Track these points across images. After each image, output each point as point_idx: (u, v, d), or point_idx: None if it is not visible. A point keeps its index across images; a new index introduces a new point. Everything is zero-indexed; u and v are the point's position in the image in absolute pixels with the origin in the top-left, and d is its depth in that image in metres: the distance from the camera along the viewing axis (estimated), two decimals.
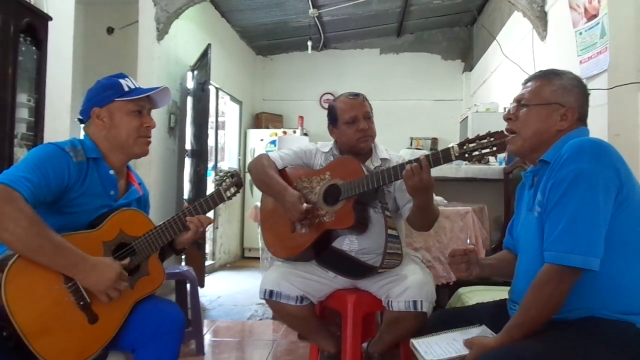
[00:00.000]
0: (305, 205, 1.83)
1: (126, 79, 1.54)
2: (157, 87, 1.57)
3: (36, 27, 2.56)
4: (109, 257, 1.39)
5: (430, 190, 1.62)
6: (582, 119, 1.34)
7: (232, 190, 1.62)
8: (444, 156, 1.55)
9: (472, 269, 1.47)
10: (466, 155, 1.50)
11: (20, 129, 2.54)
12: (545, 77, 1.35)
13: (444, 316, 1.54)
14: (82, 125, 1.55)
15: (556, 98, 1.31)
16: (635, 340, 1.12)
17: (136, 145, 1.53)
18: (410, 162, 1.61)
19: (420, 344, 1.29)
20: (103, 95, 1.51)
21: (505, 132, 1.40)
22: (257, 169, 2.02)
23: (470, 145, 1.49)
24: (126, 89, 1.51)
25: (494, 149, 1.45)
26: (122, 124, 1.50)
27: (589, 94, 1.36)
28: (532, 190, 1.34)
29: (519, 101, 1.36)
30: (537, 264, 1.20)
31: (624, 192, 1.16)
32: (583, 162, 1.15)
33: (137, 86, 1.55)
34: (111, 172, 1.50)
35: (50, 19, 2.68)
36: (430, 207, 1.74)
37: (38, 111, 2.62)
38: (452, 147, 1.53)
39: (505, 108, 1.40)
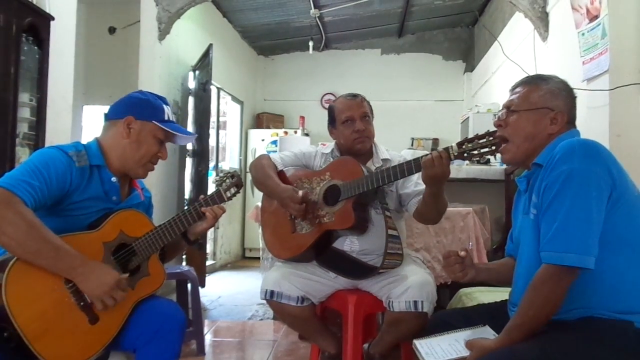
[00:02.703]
0: (301, 192, 1.83)
1: (168, 107, 1.58)
2: (190, 133, 1.63)
3: (38, 26, 2.57)
4: (107, 265, 1.38)
5: (445, 180, 1.64)
6: (571, 121, 1.35)
7: (232, 190, 1.63)
8: None
9: (466, 270, 1.47)
10: (465, 154, 1.51)
11: (22, 128, 2.54)
12: (533, 83, 1.37)
13: (445, 317, 1.54)
14: (104, 123, 1.56)
15: (545, 102, 1.32)
16: (634, 339, 1.13)
17: (142, 168, 1.55)
18: (409, 162, 1.64)
19: (422, 345, 1.30)
20: (146, 110, 1.52)
21: (497, 140, 1.41)
22: (256, 169, 2.02)
23: (469, 144, 1.50)
24: (166, 117, 1.55)
25: (493, 148, 1.46)
26: (144, 144, 1.51)
27: (575, 96, 1.37)
28: (527, 194, 1.35)
29: (509, 107, 1.37)
30: (535, 265, 1.20)
31: (618, 191, 1.17)
32: (575, 162, 1.16)
33: (173, 119, 1.60)
34: (113, 179, 1.50)
35: (53, 18, 2.68)
36: (442, 195, 1.75)
37: (40, 111, 2.62)
38: (451, 146, 1.54)
39: (495, 115, 1.43)
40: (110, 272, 1.34)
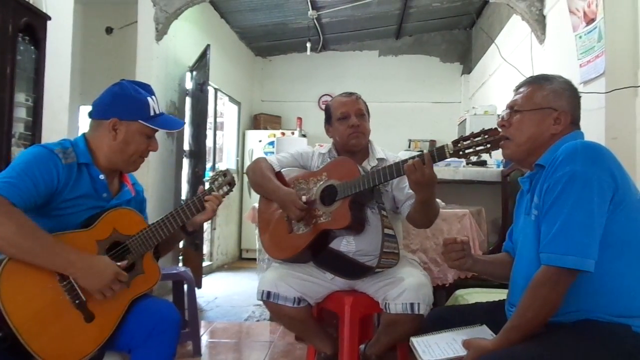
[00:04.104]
0: (304, 197, 1.84)
1: (153, 97, 1.53)
2: (179, 122, 1.62)
3: (35, 26, 2.56)
4: (105, 256, 1.38)
5: (432, 186, 1.62)
6: (575, 122, 1.35)
7: (225, 188, 1.63)
8: (439, 154, 1.55)
9: (465, 259, 1.47)
10: (461, 152, 1.51)
11: (18, 128, 2.53)
12: (537, 82, 1.37)
13: (442, 314, 1.54)
14: (89, 121, 1.53)
15: (548, 102, 1.32)
16: (631, 342, 1.13)
17: (133, 165, 1.55)
18: (404, 161, 1.62)
19: (419, 343, 1.29)
20: (129, 109, 1.49)
21: (498, 138, 1.41)
22: (254, 172, 2.03)
23: (465, 142, 1.50)
24: (152, 113, 1.51)
25: (488, 146, 1.45)
26: (132, 143, 1.50)
27: (580, 96, 1.37)
28: (529, 195, 1.35)
29: (512, 107, 1.37)
30: (534, 266, 1.20)
31: (620, 195, 1.17)
32: (577, 165, 1.16)
33: (160, 111, 1.56)
34: (101, 176, 1.49)
35: (49, 18, 2.67)
36: (432, 202, 1.74)
37: (36, 111, 2.62)
38: (447, 145, 1.53)
39: (499, 115, 1.42)
40: (109, 265, 1.34)
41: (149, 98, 1.52)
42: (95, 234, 1.42)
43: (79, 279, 1.31)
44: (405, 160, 1.63)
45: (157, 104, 1.55)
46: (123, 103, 1.49)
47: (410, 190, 1.87)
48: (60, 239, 1.32)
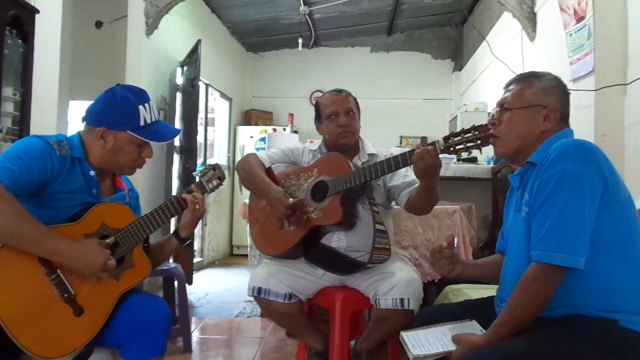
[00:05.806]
0: (290, 199, 1.84)
1: (146, 105, 1.50)
2: (172, 131, 1.59)
3: (23, 19, 2.53)
4: (95, 242, 1.37)
5: (438, 173, 1.63)
6: (564, 118, 1.36)
7: (215, 182, 1.63)
8: None
9: (453, 266, 1.47)
10: (451, 149, 1.52)
11: (6, 123, 2.51)
12: (526, 80, 1.38)
13: (432, 312, 1.55)
14: (83, 124, 1.52)
15: (537, 100, 1.33)
16: (618, 336, 1.14)
17: (128, 170, 1.54)
18: (397, 156, 1.64)
19: (409, 337, 1.30)
20: (118, 119, 1.47)
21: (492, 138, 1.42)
22: (244, 168, 2.02)
23: (455, 139, 1.51)
24: (142, 123, 1.48)
25: (479, 142, 1.46)
26: (123, 152, 1.49)
27: (569, 93, 1.38)
28: (519, 192, 1.36)
29: (502, 105, 1.38)
30: (524, 263, 1.21)
31: (610, 193, 1.18)
32: (569, 163, 1.17)
33: (154, 118, 1.52)
34: (92, 172, 1.48)
35: (37, 11, 2.65)
36: (436, 188, 1.75)
37: (24, 105, 2.59)
38: (438, 141, 1.55)
39: (489, 113, 1.44)
40: (100, 252, 1.34)
41: (140, 107, 1.48)
42: (83, 227, 1.41)
43: (70, 267, 1.31)
44: (397, 158, 1.64)
45: (151, 111, 1.52)
46: (112, 112, 1.47)
47: (405, 180, 1.89)
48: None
